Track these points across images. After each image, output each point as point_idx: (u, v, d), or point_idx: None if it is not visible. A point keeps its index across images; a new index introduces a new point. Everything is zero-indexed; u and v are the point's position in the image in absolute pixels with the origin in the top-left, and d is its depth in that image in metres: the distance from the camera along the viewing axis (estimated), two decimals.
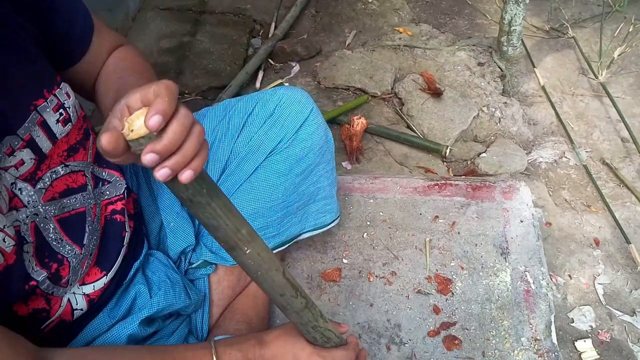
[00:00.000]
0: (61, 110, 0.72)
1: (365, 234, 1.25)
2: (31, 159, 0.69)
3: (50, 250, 0.72)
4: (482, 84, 1.93)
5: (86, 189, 0.78)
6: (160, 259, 0.94)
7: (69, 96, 0.74)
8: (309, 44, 2.08)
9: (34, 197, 0.70)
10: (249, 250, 0.62)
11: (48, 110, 0.71)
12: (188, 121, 0.51)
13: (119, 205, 0.85)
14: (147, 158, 0.49)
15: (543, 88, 1.94)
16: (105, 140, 0.49)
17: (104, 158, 0.84)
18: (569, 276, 1.41)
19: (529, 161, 1.72)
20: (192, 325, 1.00)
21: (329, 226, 1.12)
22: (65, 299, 0.77)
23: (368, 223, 1.27)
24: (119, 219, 0.84)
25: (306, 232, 1.09)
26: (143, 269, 0.92)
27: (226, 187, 1.00)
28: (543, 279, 1.14)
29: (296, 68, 2.04)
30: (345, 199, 1.31)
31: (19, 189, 0.68)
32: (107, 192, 0.85)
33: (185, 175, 0.51)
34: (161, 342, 0.90)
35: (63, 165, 0.75)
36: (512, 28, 1.86)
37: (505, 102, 1.87)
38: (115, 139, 0.50)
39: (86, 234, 0.77)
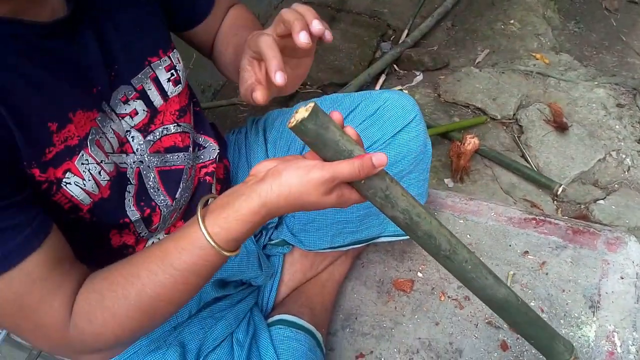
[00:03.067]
0: (172, 72, 0.79)
1: None
2: (144, 110, 0.77)
3: (147, 196, 0.80)
4: (617, 126, 1.78)
5: (188, 150, 0.85)
6: None
7: (179, 61, 0.82)
8: (437, 55, 2.06)
9: (142, 146, 0.78)
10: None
11: (160, 68, 0.78)
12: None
13: (210, 168, 0.92)
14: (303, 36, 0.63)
15: None
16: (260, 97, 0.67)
17: (201, 125, 0.92)
18: None
19: None
20: (260, 298, 1.05)
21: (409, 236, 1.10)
22: (149, 242, 0.85)
23: None
24: (208, 181, 0.91)
25: (385, 235, 1.08)
26: None
27: None
28: (633, 344, 1.03)
29: (419, 77, 2.03)
30: (434, 214, 1.28)
31: (132, 137, 0.76)
32: (202, 157, 0.92)
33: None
34: (228, 308, 0.95)
35: (176, 124, 0.82)
36: None
37: None
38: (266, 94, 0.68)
39: (179, 189, 0.85)
